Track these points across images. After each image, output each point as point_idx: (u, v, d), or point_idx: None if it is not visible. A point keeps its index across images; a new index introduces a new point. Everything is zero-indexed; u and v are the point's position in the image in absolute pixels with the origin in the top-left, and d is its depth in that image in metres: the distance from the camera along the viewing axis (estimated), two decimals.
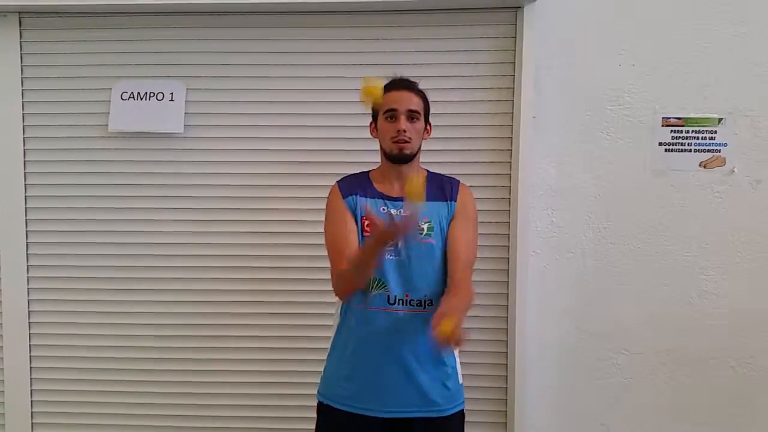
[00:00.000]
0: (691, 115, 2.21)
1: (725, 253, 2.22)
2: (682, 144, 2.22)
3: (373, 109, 1.78)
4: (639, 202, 2.23)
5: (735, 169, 2.20)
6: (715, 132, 2.20)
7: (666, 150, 2.22)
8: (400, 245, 1.69)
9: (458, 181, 1.82)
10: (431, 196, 1.74)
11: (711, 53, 2.19)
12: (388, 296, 1.70)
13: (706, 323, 2.24)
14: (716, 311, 2.23)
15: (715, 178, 2.21)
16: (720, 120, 2.20)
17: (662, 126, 2.21)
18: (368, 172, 1.84)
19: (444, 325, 1.39)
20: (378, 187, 1.78)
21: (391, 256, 1.70)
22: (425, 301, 1.71)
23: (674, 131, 2.21)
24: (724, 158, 2.21)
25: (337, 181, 1.82)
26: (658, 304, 2.24)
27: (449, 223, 1.75)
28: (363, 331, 1.71)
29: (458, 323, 1.41)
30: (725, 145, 2.21)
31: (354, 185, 1.78)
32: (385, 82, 1.75)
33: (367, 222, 1.71)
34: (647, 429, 2.27)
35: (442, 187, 1.78)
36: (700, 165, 2.22)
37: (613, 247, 2.24)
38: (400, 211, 1.72)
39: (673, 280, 2.24)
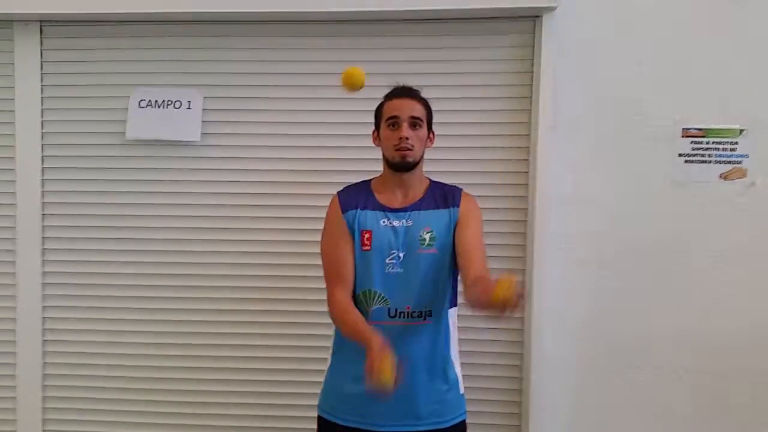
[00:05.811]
0: (712, 126, 2.18)
1: (746, 267, 2.18)
2: (702, 155, 2.19)
3: (375, 118, 1.77)
4: (658, 213, 2.20)
5: (757, 181, 2.16)
6: (737, 143, 2.17)
7: (686, 161, 2.19)
8: (401, 257, 1.68)
9: (461, 189, 1.79)
10: (433, 205, 1.72)
11: (732, 64, 2.16)
12: (389, 309, 1.68)
13: (725, 338, 2.19)
14: (736, 326, 2.19)
15: (736, 189, 2.18)
16: (741, 131, 2.17)
17: (682, 137, 2.19)
18: (369, 181, 1.81)
19: (500, 288, 1.33)
20: (379, 197, 1.75)
21: (393, 269, 1.68)
22: (425, 312, 1.69)
23: (694, 142, 2.18)
24: (745, 170, 2.18)
25: (338, 192, 1.80)
26: (677, 317, 2.20)
27: (454, 228, 1.71)
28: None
29: (513, 285, 1.33)
30: (746, 156, 2.17)
31: (354, 197, 1.76)
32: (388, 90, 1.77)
33: (366, 235, 1.70)
34: None
35: (444, 196, 1.75)
36: (720, 176, 2.19)
37: (631, 259, 2.21)
38: (402, 222, 1.70)
39: (692, 293, 2.20)
